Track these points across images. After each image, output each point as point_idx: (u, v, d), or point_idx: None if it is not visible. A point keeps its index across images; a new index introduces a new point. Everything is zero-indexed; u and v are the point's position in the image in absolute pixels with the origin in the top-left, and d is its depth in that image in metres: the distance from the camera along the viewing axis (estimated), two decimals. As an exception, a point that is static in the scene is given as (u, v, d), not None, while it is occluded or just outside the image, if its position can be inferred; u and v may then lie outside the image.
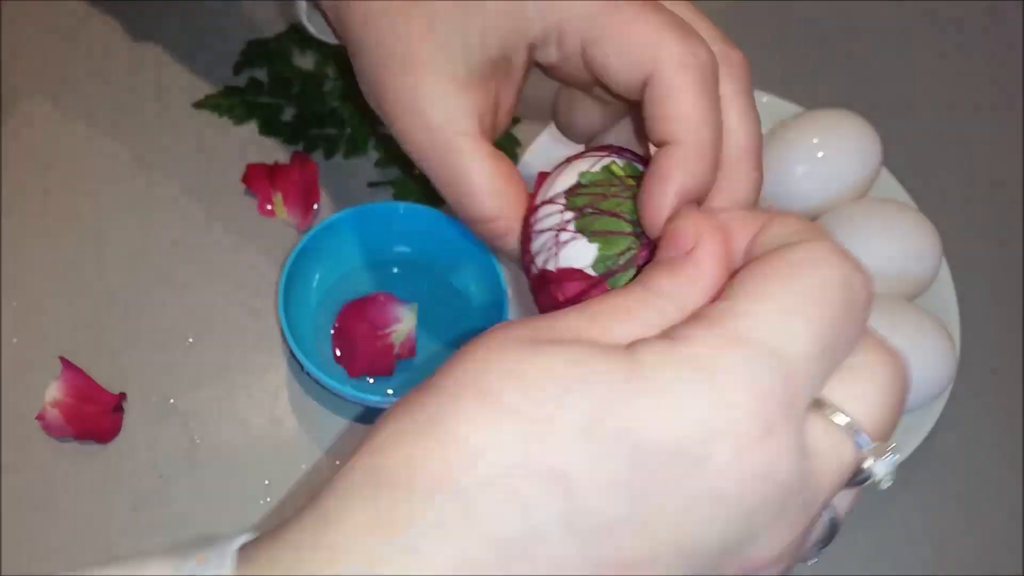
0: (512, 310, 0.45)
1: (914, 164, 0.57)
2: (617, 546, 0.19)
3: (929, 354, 0.45)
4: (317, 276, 0.47)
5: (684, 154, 0.27)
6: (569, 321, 0.23)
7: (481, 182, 0.31)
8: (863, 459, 0.22)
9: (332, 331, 0.46)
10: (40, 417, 0.43)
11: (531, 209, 0.31)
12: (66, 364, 0.44)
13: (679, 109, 0.28)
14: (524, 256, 0.31)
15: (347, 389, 0.42)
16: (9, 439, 0.43)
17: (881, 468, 0.22)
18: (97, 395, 0.44)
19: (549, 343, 0.21)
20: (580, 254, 0.29)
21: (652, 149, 0.30)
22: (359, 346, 0.45)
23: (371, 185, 0.52)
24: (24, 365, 0.45)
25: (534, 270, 0.31)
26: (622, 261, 0.29)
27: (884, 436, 0.22)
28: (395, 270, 0.49)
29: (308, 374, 0.43)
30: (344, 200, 0.51)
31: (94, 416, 0.43)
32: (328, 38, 0.43)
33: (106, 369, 0.45)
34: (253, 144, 0.53)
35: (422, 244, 0.48)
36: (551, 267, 0.29)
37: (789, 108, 0.56)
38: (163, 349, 0.46)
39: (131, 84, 0.54)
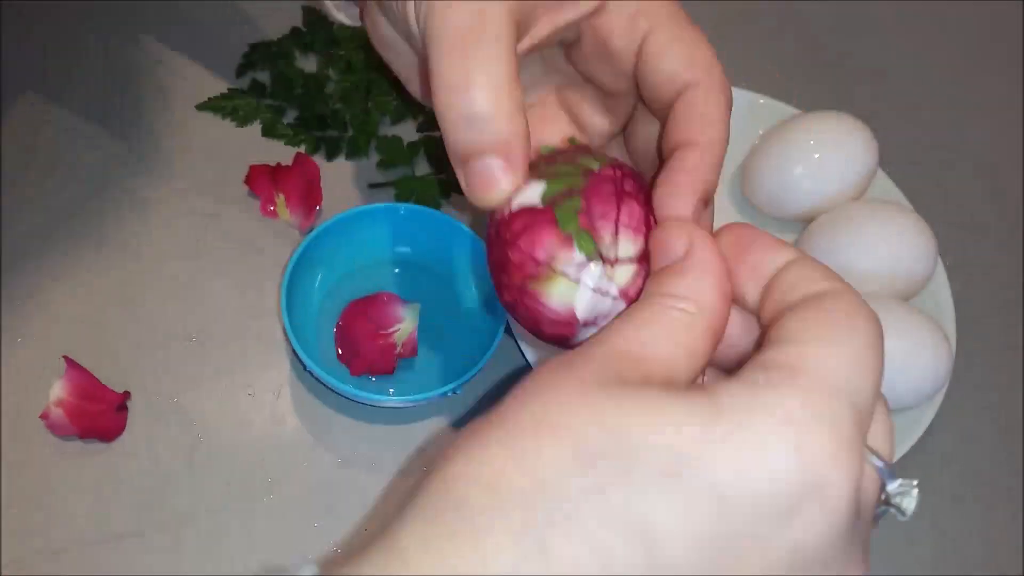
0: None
1: (910, 165, 0.58)
2: None
3: (925, 354, 0.45)
4: (319, 276, 0.48)
5: (709, 152, 0.30)
6: (613, 350, 0.23)
7: (501, 88, 0.28)
8: (890, 496, 0.22)
9: (334, 330, 0.47)
10: (44, 416, 0.43)
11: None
12: (70, 363, 0.44)
13: (713, 114, 0.30)
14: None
15: (349, 388, 0.42)
16: (13, 438, 0.43)
17: (910, 504, 0.22)
18: (101, 394, 0.44)
19: (624, 386, 0.21)
20: (530, 194, 0.29)
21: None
22: (361, 345, 0.46)
23: (372, 186, 0.53)
24: (28, 364, 0.45)
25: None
26: (564, 190, 0.29)
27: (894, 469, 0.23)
28: (396, 270, 0.49)
29: (310, 373, 0.43)
30: (346, 201, 0.52)
31: (98, 415, 0.43)
32: (344, 17, 0.43)
33: (110, 368, 0.45)
34: (256, 145, 0.53)
35: (423, 244, 0.49)
36: (504, 212, 0.29)
37: (786, 110, 0.56)
38: (166, 348, 0.46)
39: (134, 86, 0.55)
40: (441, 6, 0.28)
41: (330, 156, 0.53)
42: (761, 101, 0.57)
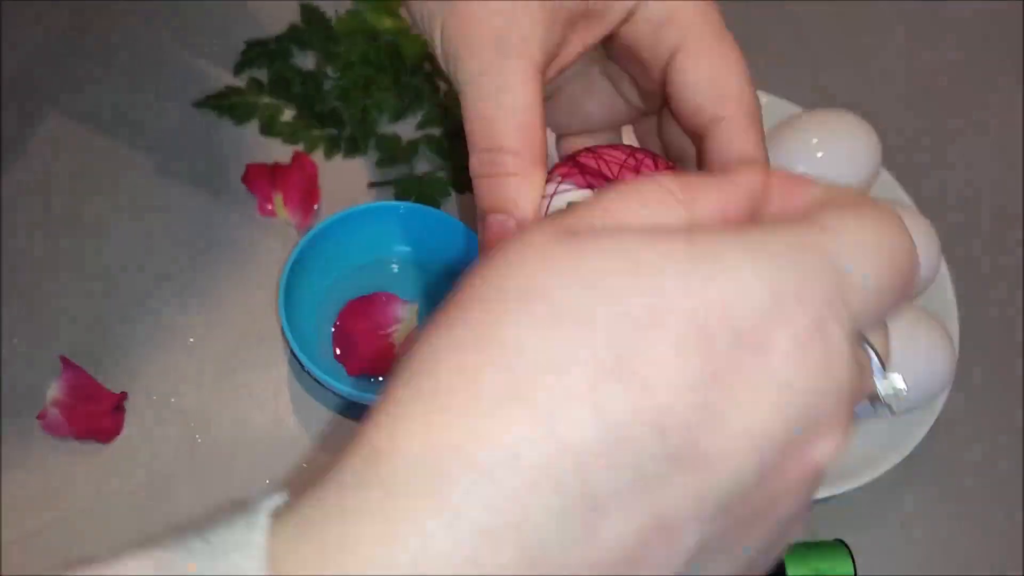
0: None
1: (913, 165, 0.57)
2: (694, 439, 0.18)
3: (928, 354, 0.45)
4: (317, 276, 0.47)
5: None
6: (595, 209, 0.21)
7: (516, 104, 0.29)
8: (877, 394, 0.23)
9: (332, 330, 0.46)
10: (41, 416, 0.43)
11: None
12: (67, 363, 0.44)
13: (747, 152, 0.32)
14: None
15: (347, 388, 0.42)
16: (10, 438, 0.43)
17: (893, 386, 0.24)
18: (98, 394, 0.44)
19: (592, 235, 0.20)
20: (569, 199, 0.28)
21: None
22: (359, 345, 0.45)
23: (371, 185, 0.52)
24: (25, 364, 0.45)
25: None
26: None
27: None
28: (395, 269, 0.49)
29: (309, 373, 0.43)
30: (344, 200, 0.52)
31: (95, 415, 0.43)
32: None
33: (107, 368, 0.45)
34: (253, 144, 0.53)
35: (422, 244, 0.48)
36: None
37: (789, 108, 0.56)
38: (164, 348, 0.46)
39: (132, 84, 0.54)
40: (467, 24, 0.29)
41: (328, 155, 0.53)
42: (764, 100, 0.56)
